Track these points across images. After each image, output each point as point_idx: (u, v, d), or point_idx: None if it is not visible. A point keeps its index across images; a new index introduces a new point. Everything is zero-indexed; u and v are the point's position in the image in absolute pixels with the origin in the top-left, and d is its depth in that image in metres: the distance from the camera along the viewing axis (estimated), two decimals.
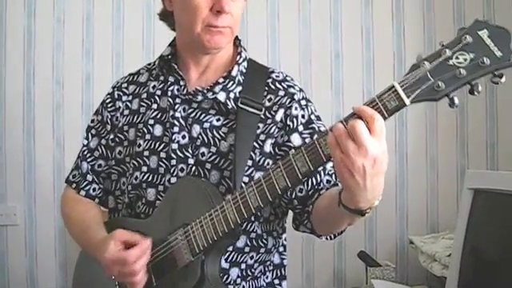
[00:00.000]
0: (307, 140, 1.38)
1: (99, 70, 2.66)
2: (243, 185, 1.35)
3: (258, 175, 1.37)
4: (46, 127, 2.66)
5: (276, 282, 1.50)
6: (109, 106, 1.55)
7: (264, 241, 1.44)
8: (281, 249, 1.52)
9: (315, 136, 1.30)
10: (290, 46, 2.65)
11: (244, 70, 1.47)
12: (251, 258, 1.44)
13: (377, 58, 2.67)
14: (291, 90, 1.44)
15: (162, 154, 1.42)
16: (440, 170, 2.66)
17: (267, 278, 1.49)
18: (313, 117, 1.43)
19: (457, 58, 1.05)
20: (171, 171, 1.40)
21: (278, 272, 1.51)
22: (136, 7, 2.63)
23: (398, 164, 2.64)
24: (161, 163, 1.42)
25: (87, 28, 2.67)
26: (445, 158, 2.66)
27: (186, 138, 1.41)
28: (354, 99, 2.65)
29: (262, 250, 1.45)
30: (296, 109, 1.41)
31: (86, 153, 1.56)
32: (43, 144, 2.65)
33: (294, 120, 1.41)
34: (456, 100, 1.05)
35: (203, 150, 1.40)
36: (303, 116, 1.42)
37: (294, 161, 1.15)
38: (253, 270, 1.45)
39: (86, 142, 1.57)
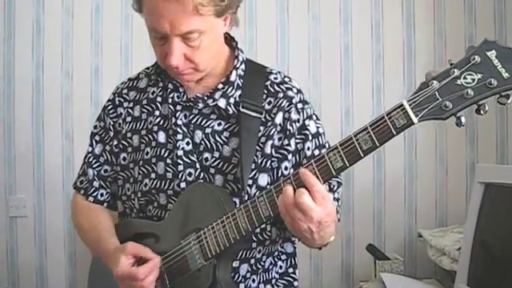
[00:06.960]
0: (299, 146, 1.42)
1: (108, 62, 2.66)
2: (248, 189, 1.39)
3: (261, 177, 1.41)
4: (55, 119, 2.67)
5: (290, 270, 1.52)
6: (110, 112, 1.55)
7: (268, 233, 1.45)
8: (292, 238, 1.53)
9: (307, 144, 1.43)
10: (299, 40, 2.64)
11: (242, 73, 1.47)
12: (259, 251, 1.46)
13: (386, 51, 2.66)
14: (290, 92, 1.45)
15: (168, 160, 1.43)
16: (449, 163, 2.65)
17: (281, 268, 1.51)
18: (307, 122, 1.45)
19: (465, 77, 1.08)
20: (179, 176, 1.41)
21: (292, 260, 1.53)
22: None
23: (407, 157, 2.64)
24: (168, 169, 1.43)
25: (96, 20, 2.67)
26: (454, 152, 2.65)
27: (190, 145, 1.43)
28: (363, 92, 2.65)
29: (267, 242, 1.46)
30: (295, 113, 1.43)
31: (91, 159, 1.56)
32: (52, 136, 2.67)
33: (294, 124, 1.43)
34: (463, 119, 1.10)
35: (206, 155, 1.42)
36: (298, 120, 1.44)
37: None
38: (262, 263, 1.47)
39: (90, 148, 1.58)
